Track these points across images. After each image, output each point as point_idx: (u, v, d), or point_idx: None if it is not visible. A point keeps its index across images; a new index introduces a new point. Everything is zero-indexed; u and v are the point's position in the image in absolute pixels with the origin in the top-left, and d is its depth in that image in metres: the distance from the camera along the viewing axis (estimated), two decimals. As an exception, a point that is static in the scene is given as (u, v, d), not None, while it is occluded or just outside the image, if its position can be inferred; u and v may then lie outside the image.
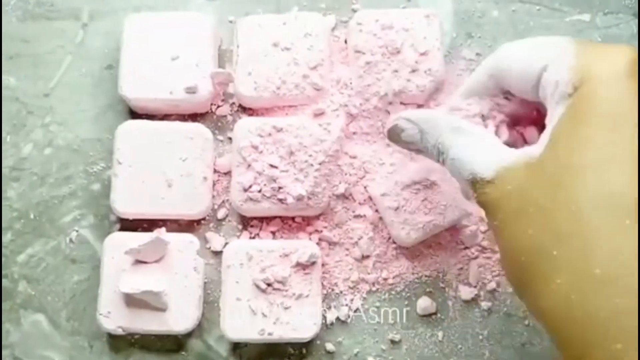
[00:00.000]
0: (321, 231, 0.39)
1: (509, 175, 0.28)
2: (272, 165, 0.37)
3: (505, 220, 0.28)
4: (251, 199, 0.37)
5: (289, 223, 0.39)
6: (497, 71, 0.31)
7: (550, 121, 0.28)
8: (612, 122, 0.26)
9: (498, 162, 0.29)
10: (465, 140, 0.31)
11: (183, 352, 0.38)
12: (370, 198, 0.39)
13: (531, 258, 0.27)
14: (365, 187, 0.39)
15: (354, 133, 0.39)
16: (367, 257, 0.39)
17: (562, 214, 0.25)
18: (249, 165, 0.37)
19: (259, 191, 0.37)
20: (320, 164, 0.37)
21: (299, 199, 0.37)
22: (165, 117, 0.40)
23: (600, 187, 0.25)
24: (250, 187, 0.37)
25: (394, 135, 0.34)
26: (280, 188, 0.37)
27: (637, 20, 0.42)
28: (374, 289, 0.38)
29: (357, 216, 0.39)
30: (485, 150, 0.30)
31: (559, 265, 0.25)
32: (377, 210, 0.39)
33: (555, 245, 0.25)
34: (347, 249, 0.39)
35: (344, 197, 0.39)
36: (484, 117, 0.33)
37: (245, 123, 0.38)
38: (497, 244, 0.30)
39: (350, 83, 0.39)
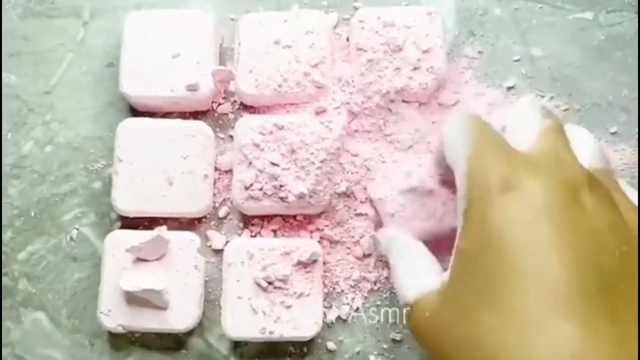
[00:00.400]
0: (322, 230, 0.39)
1: (426, 301, 0.28)
2: (273, 163, 0.37)
3: (432, 351, 0.28)
4: (252, 197, 0.37)
5: (290, 221, 0.39)
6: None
7: (458, 235, 0.27)
8: (494, 247, 0.25)
9: (418, 288, 0.29)
10: (403, 263, 0.32)
11: (183, 351, 0.38)
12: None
13: None
14: (364, 188, 0.39)
15: (356, 131, 0.39)
16: (369, 255, 0.38)
17: (474, 343, 0.25)
18: (250, 163, 0.37)
19: (260, 189, 0.37)
20: (321, 162, 0.37)
21: (301, 197, 0.37)
22: (166, 114, 0.40)
23: (510, 312, 0.24)
24: (251, 185, 0.37)
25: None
26: (281, 186, 0.37)
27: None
28: (375, 287, 0.38)
29: (358, 214, 0.39)
30: (414, 274, 0.30)
31: None
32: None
33: None
34: (349, 248, 0.39)
35: (346, 195, 0.39)
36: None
37: (246, 121, 0.38)
38: None
39: (352, 81, 0.39)
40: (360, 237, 0.38)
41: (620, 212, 0.26)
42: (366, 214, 0.38)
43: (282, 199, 0.37)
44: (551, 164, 0.26)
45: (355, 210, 0.39)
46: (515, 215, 0.25)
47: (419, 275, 0.30)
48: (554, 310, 0.23)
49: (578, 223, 0.25)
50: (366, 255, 0.38)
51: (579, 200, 0.25)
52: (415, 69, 0.38)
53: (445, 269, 0.29)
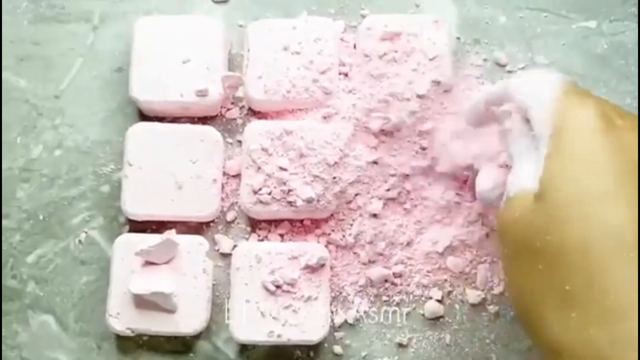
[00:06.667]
0: (329, 234, 0.39)
1: (520, 200, 0.29)
2: (281, 168, 0.38)
3: (514, 251, 0.29)
4: (261, 202, 0.38)
5: (298, 226, 0.39)
6: (499, 100, 0.33)
7: (538, 155, 0.29)
8: (592, 164, 0.27)
9: (521, 185, 0.29)
10: (521, 159, 0.31)
11: (191, 354, 0.38)
12: (377, 199, 0.39)
13: (543, 292, 0.27)
14: (368, 191, 0.39)
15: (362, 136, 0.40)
16: (374, 261, 0.39)
17: (570, 248, 0.26)
18: (259, 168, 0.38)
19: (269, 194, 0.38)
20: (329, 166, 0.37)
21: (309, 201, 0.37)
22: (175, 119, 0.41)
23: (603, 222, 0.26)
24: (260, 189, 0.38)
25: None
26: (289, 191, 0.37)
27: (642, 28, 0.42)
28: (381, 292, 0.39)
29: (365, 220, 0.39)
30: (524, 173, 0.30)
31: (573, 299, 0.26)
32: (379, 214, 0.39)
33: (566, 280, 0.26)
34: (355, 253, 0.39)
35: (353, 200, 0.39)
36: None
37: (255, 126, 0.39)
38: (505, 274, 0.30)
39: (359, 87, 0.39)
40: (369, 242, 0.39)
41: None
42: (373, 219, 0.39)
43: (290, 203, 0.37)
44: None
45: (361, 215, 0.39)
46: (629, 140, 0.27)
47: (526, 176, 0.30)
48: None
49: None
50: (372, 261, 0.39)
51: None
52: (421, 76, 0.39)
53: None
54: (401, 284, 0.39)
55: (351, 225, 0.39)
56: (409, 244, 0.39)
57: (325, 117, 0.39)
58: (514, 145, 0.31)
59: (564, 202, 0.27)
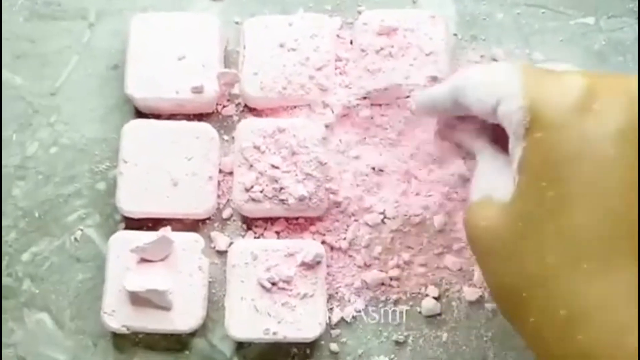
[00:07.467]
0: (324, 234, 0.39)
1: (485, 207, 0.29)
2: (273, 166, 0.37)
3: (481, 256, 0.30)
4: (253, 199, 0.37)
5: (294, 223, 0.39)
6: (460, 96, 0.31)
7: (513, 157, 0.28)
8: (567, 166, 0.26)
9: (486, 191, 0.30)
10: (486, 166, 0.32)
11: (187, 352, 0.38)
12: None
13: (506, 296, 0.28)
14: (366, 192, 0.39)
15: (359, 134, 0.39)
16: (370, 265, 0.38)
17: (528, 257, 0.27)
18: (251, 166, 0.38)
19: (261, 191, 0.37)
20: (322, 165, 0.37)
21: (301, 199, 0.37)
22: (171, 116, 0.41)
23: (562, 233, 0.26)
24: (252, 187, 0.37)
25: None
26: (282, 189, 0.37)
27: (640, 24, 0.42)
28: (378, 294, 0.38)
29: (360, 225, 0.39)
30: (491, 178, 0.30)
31: (530, 305, 0.27)
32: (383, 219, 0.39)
33: (524, 288, 0.27)
34: (351, 256, 0.39)
35: (348, 201, 0.39)
36: None
37: (247, 124, 0.39)
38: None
39: (356, 82, 0.39)
40: (364, 247, 0.38)
41: None
42: (368, 220, 0.38)
43: (282, 201, 0.37)
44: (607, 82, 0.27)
45: (355, 217, 0.39)
46: (592, 134, 0.25)
47: (494, 181, 0.30)
48: (611, 241, 0.25)
49: None
50: (367, 265, 0.38)
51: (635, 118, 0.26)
52: (418, 71, 0.38)
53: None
54: (398, 286, 0.38)
55: (346, 230, 0.39)
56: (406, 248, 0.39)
57: (320, 114, 0.39)
58: (478, 142, 0.32)
59: (530, 214, 0.27)
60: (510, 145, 0.28)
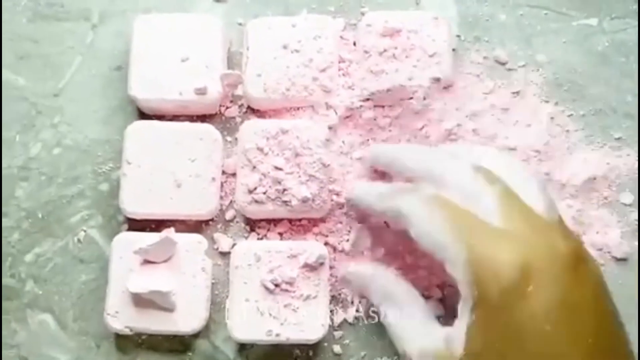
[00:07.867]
0: (327, 236, 0.39)
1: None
2: (277, 167, 0.37)
3: None
4: (256, 201, 0.37)
5: (297, 225, 0.39)
6: (402, 223, 0.33)
7: (462, 315, 0.30)
8: (511, 342, 0.28)
9: (421, 343, 0.32)
10: (396, 313, 0.34)
11: (190, 353, 0.38)
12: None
13: None
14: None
15: (362, 135, 0.39)
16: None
17: None
18: (254, 167, 0.38)
19: (264, 193, 0.37)
20: (325, 166, 0.37)
21: (304, 201, 0.37)
22: (174, 117, 0.41)
23: None
24: (255, 189, 0.37)
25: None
26: (285, 190, 0.37)
27: (644, 25, 0.42)
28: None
29: (363, 223, 0.39)
30: (413, 328, 0.33)
31: None
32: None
33: None
34: (354, 257, 0.39)
35: (351, 203, 0.39)
36: None
37: (250, 125, 0.39)
38: None
39: (359, 84, 0.39)
40: (367, 249, 0.38)
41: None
42: (371, 222, 0.38)
43: (285, 202, 0.37)
44: (555, 243, 0.29)
45: (359, 218, 0.39)
46: (528, 315, 0.28)
47: (417, 328, 0.33)
48: None
49: (594, 308, 0.29)
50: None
51: (582, 275, 0.29)
52: (421, 73, 0.38)
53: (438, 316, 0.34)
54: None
55: (349, 232, 0.39)
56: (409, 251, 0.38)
57: (323, 115, 0.39)
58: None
59: None
60: (461, 299, 0.30)
